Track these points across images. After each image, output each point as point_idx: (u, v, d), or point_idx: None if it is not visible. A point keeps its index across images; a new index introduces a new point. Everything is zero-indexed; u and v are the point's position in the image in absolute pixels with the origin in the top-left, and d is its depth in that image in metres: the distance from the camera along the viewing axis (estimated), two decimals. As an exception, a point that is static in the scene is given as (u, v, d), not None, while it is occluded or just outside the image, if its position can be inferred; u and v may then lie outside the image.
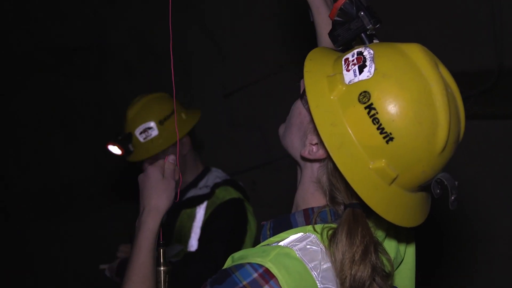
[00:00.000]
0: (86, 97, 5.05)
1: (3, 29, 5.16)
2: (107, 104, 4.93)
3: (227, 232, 2.64)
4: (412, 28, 3.60)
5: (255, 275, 1.14)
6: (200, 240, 2.67)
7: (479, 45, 3.52)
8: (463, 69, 3.45)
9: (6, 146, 5.36)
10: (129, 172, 2.89)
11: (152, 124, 2.73)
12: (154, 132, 2.73)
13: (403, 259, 1.44)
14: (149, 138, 2.72)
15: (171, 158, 1.62)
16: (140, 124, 2.74)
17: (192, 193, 2.80)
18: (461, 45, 3.54)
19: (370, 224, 1.25)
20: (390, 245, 1.36)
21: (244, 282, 1.13)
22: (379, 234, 1.30)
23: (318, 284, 1.16)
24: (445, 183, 1.18)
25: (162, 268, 1.55)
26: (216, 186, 2.77)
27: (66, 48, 5.02)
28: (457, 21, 3.55)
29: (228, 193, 2.74)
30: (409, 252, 1.46)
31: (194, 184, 2.82)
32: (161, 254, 1.56)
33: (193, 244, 2.71)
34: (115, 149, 2.72)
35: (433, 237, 2.97)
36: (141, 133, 2.73)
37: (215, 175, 2.86)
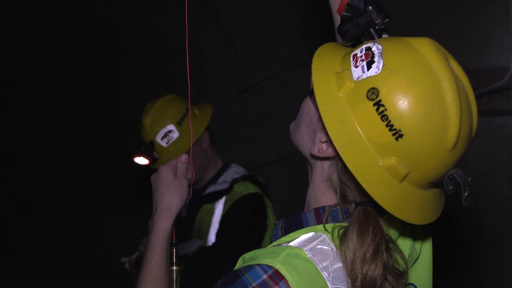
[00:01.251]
0: (100, 93, 5.06)
1: (17, 25, 5.19)
2: (121, 100, 4.94)
3: (244, 226, 2.63)
4: (427, 23, 3.56)
5: (265, 276, 1.13)
6: (217, 234, 2.68)
7: (495, 41, 3.48)
8: (478, 65, 3.42)
9: (20, 142, 5.40)
10: (143, 169, 2.90)
11: (171, 126, 2.75)
12: (175, 134, 2.74)
13: (419, 256, 1.42)
14: (171, 141, 2.74)
15: (183, 157, 1.61)
16: (159, 130, 2.75)
17: (211, 189, 2.81)
18: (476, 40, 3.50)
19: (383, 222, 1.24)
20: (404, 243, 1.34)
21: (254, 284, 1.12)
22: (392, 232, 1.29)
23: (329, 285, 1.15)
24: (458, 179, 1.15)
25: (174, 268, 1.55)
26: (235, 181, 2.78)
27: (80, 44, 5.03)
28: (472, 16, 3.51)
29: (246, 188, 2.74)
30: (426, 249, 1.45)
31: (213, 180, 2.84)
32: (173, 254, 1.56)
33: (211, 239, 2.72)
34: (141, 160, 2.74)
35: (446, 234, 2.95)
36: (162, 138, 2.74)
37: (234, 171, 2.87)
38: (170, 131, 2.74)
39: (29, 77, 5.23)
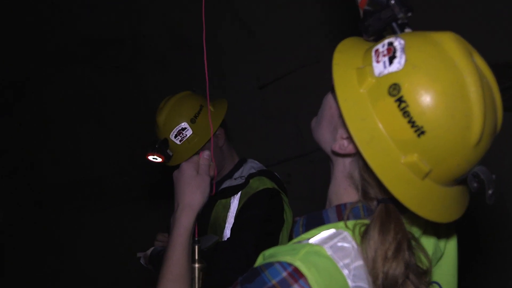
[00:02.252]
0: (119, 89, 5.10)
1: (37, 22, 5.24)
2: (140, 96, 4.97)
3: (258, 221, 2.62)
4: (452, 16, 3.52)
5: (284, 274, 1.12)
6: (232, 229, 2.68)
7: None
8: (502, 60, 3.36)
9: (39, 138, 5.46)
10: (158, 167, 2.91)
11: (185, 124, 2.75)
12: (189, 132, 2.75)
13: (443, 254, 1.41)
14: (185, 139, 2.75)
15: (205, 154, 1.61)
16: (173, 128, 2.76)
17: (227, 184, 2.81)
18: (501, 35, 3.45)
19: (405, 220, 1.22)
20: (428, 241, 1.33)
21: (274, 281, 1.12)
22: (415, 230, 1.27)
23: (350, 283, 1.14)
24: (482, 176, 1.13)
25: (196, 265, 1.55)
26: (250, 176, 2.78)
27: (99, 40, 5.08)
28: (498, 11, 3.46)
29: (262, 183, 2.73)
30: (450, 247, 1.43)
31: (229, 175, 2.84)
32: (195, 251, 1.56)
33: (227, 234, 2.72)
34: (155, 158, 2.75)
35: (470, 232, 2.91)
36: (176, 136, 2.75)
37: (250, 166, 2.87)
38: (183, 129, 2.75)
39: (48, 73, 5.28)
